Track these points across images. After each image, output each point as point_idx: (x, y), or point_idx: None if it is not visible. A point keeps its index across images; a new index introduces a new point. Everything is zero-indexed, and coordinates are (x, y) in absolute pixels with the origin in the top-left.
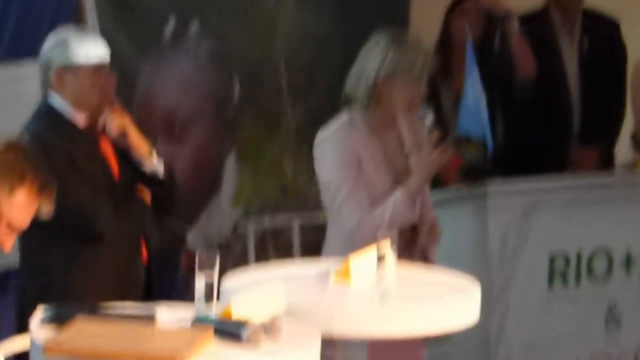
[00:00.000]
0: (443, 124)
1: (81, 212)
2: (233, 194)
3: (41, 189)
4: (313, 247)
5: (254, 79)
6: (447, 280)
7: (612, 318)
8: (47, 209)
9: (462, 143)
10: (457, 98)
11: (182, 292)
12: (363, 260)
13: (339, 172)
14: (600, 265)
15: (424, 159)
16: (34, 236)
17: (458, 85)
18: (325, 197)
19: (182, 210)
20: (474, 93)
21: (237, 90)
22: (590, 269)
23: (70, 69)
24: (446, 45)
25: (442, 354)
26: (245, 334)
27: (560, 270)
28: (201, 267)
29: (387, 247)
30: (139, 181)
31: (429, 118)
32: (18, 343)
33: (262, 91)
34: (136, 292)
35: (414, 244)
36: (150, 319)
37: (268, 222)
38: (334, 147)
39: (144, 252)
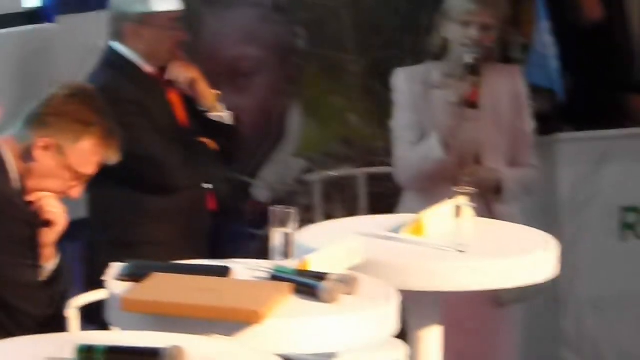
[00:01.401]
0: None
1: (150, 161)
2: (297, 146)
3: (107, 137)
4: (378, 198)
5: (318, 30)
6: (524, 235)
7: None
8: (113, 157)
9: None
10: (526, 47)
11: (247, 243)
12: (437, 213)
13: (398, 114)
14: None
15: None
16: (104, 186)
17: (527, 35)
18: None
19: (246, 161)
20: (543, 43)
21: (301, 41)
22: None
23: (147, 20)
24: None
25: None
26: (323, 288)
27: (632, 223)
28: (277, 222)
29: (465, 201)
30: (205, 130)
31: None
32: (92, 297)
33: (326, 42)
34: (203, 241)
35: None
36: (225, 273)
37: (333, 173)
38: (398, 90)
39: (211, 201)
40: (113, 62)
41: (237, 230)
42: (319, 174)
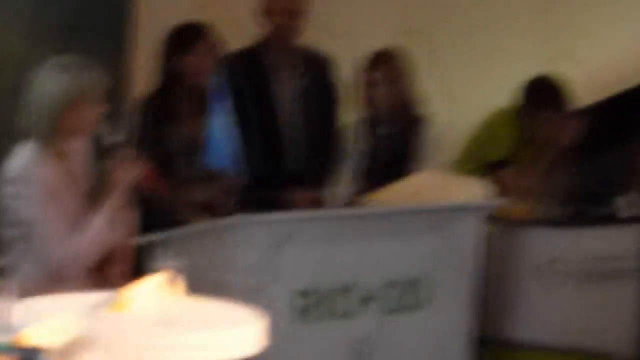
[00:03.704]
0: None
1: None
2: None
3: None
4: None
5: None
6: (230, 312)
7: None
8: None
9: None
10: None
11: None
12: (141, 289)
13: (40, 210)
14: (344, 302)
15: (119, 178)
16: None
17: (189, 128)
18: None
19: None
20: (221, 129)
21: None
22: (334, 306)
23: None
24: (171, 87)
25: None
26: None
27: (305, 308)
28: None
29: (171, 275)
30: None
31: (115, 136)
32: None
33: None
34: None
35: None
36: None
37: None
38: (31, 185)
39: None
40: None
41: None
42: None
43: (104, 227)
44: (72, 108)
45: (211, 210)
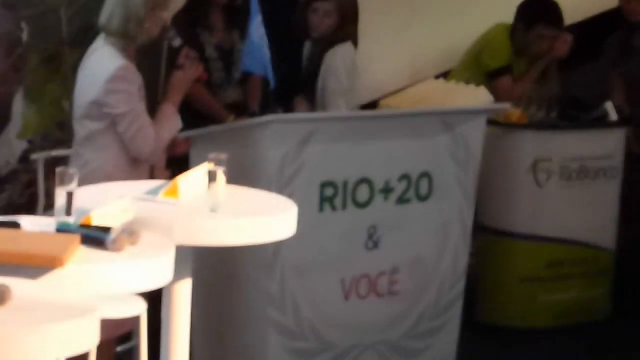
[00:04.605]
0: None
1: None
2: (20, 129)
3: None
4: None
5: (39, 27)
6: (265, 200)
7: (372, 241)
8: None
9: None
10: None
11: None
12: (192, 178)
13: (135, 105)
14: (362, 193)
15: (179, 77)
16: None
17: (222, 37)
18: (122, 126)
19: None
20: (258, 36)
21: (24, 36)
22: (354, 197)
23: None
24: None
25: (232, 274)
26: (109, 239)
27: (329, 197)
28: (60, 183)
29: (219, 165)
30: None
31: (178, 41)
32: None
33: (46, 37)
34: None
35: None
36: (17, 227)
37: (54, 153)
38: (128, 83)
39: None
40: None
41: None
42: (41, 154)
43: (178, 119)
44: (152, 13)
45: (244, 109)
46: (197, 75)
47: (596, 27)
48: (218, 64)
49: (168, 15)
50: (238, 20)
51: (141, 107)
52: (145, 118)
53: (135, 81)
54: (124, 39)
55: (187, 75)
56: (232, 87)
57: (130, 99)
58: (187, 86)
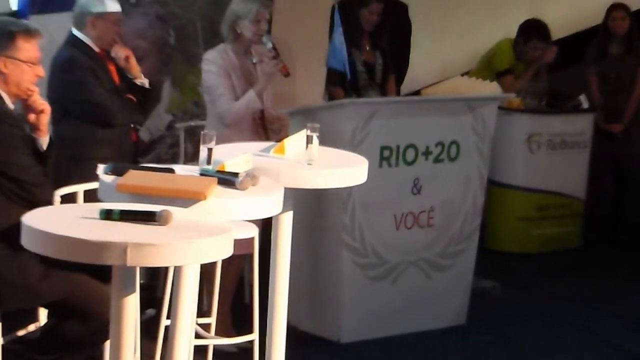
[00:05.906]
0: None
1: (99, 105)
2: (167, 105)
3: None
4: None
5: (182, 34)
6: (348, 156)
7: (416, 188)
8: None
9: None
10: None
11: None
12: (294, 140)
13: (218, 80)
14: (410, 155)
15: (265, 69)
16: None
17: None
18: (207, 97)
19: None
20: (339, 42)
21: (172, 40)
22: (404, 157)
23: (101, 16)
24: None
25: (319, 209)
26: (239, 181)
27: (386, 157)
28: (203, 142)
29: (314, 132)
30: (131, 91)
31: (269, 43)
32: (80, 187)
33: (187, 40)
34: (129, 158)
35: (262, 124)
36: (172, 171)
37: (191, 123)
38: (215, 64)
39: (134, 134)
40: (74, 43)
41: None
42: (182, 124)
43: (256, 99)
44: (252, 23)
45: (327, 95)
46: (277, 69)
47: (575, 41)
48: (364, 75)
49: (265, 25)
50: (378, 43)
51: (224, 83)
52: (226, 93)
53: (224, 65)
54: (231, 42)
55: (264, 68)
56: (372, 88)
57: (215, 77)
58: (268, 76)
